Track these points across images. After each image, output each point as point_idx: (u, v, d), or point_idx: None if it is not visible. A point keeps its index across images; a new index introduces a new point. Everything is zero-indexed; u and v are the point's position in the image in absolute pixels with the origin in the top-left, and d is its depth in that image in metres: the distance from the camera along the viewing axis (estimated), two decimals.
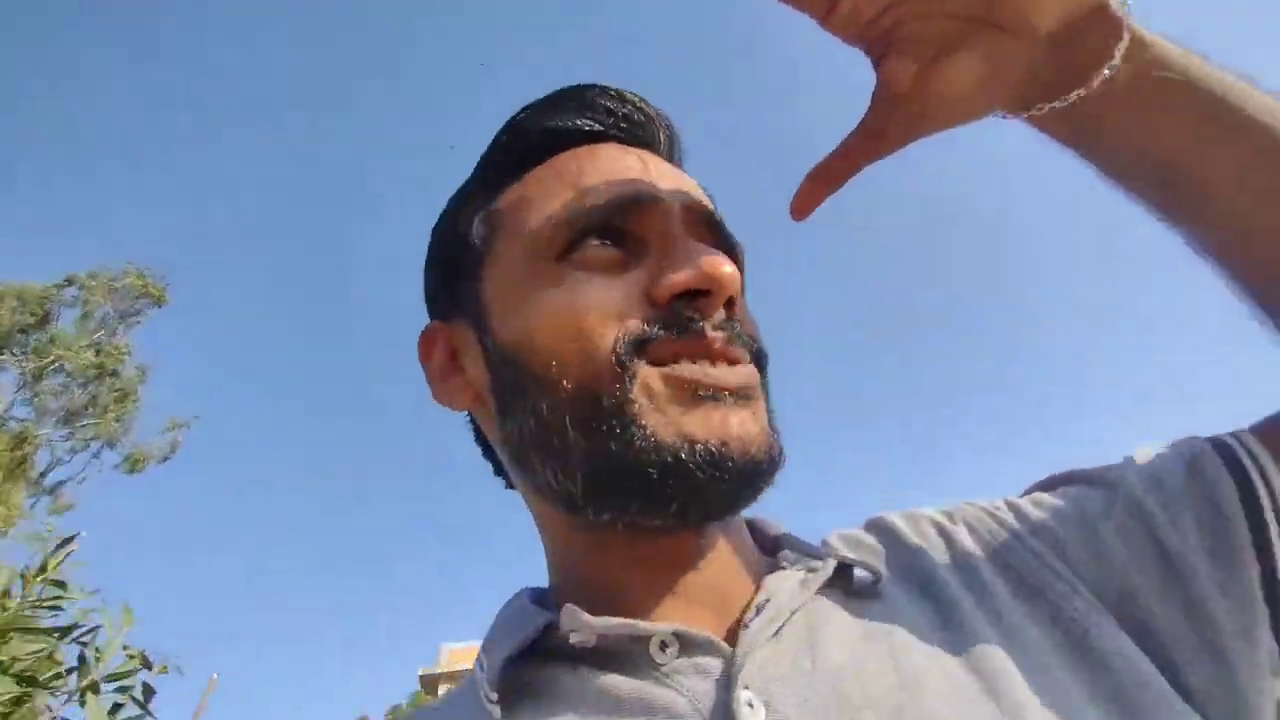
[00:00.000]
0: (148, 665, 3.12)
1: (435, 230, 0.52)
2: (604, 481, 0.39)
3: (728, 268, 0.40)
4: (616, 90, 0.48)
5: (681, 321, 0.40)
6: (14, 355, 13.99)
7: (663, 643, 0.37)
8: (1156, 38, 0.38)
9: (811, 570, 0.42)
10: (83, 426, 14.26)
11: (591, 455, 0.39)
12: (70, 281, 14.83)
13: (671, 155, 0.50)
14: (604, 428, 0.38)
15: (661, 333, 0.39)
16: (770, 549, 0.47)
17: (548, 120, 0.47)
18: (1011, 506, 0.47)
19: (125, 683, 3.05)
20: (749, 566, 0.44)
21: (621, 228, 0.43)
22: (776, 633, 0.38)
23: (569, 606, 0.38)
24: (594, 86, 0.48)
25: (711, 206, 0.47)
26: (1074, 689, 0.36)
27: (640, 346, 0.39)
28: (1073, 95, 0.37)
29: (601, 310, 0.40)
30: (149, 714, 3.06)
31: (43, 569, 3.03)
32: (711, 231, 0.46)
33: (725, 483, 0.38)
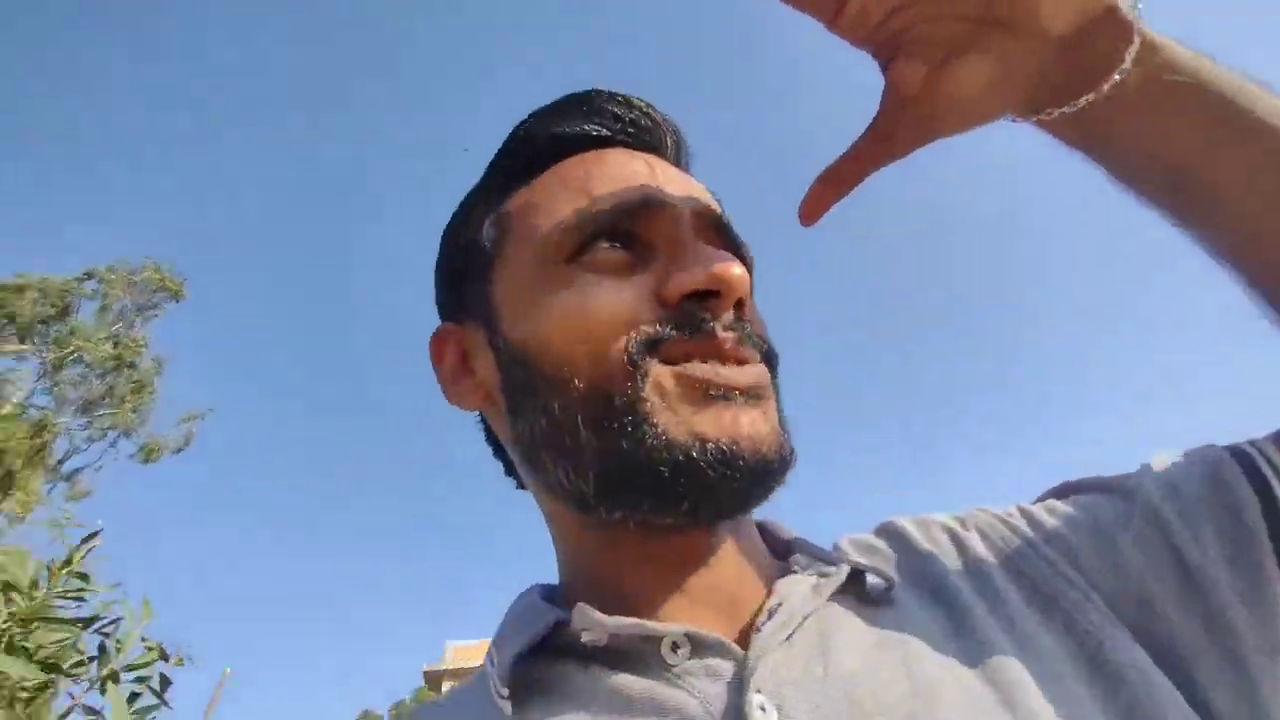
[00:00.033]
0: (164, 657, 3.21)
1: (445, 234, 0.52)
2: (616, 480, 0.39)
3: (737, 269, 0.40)
4: (624, 96, 0.49)
5: (693, 322, 0.40)
6: (35, 345, 14.24)
7: (674, 643, 0.37)
8: (1168, 41, 0.38)
9: (824, 575, 0.42)
10: (100, 416, 14.48)
11: (603, 454, 0.39)
12: (90, 275, 15.06)
13: (679, 160, 0.51)
14: (616, 426, 0.38)
15: (673, 333, 0.39)
16: (782, 552, 0.47)
17: (556, 125, 0.48)
18: (1025, 513, 0.47)
19: (143, 673, 3.14)
20: (760, 569, 0.44)
21: (630, 231, 0.43)
22: (789, 637, 0.38)
23: (581, 605, 0.38)
24: (601, 92, 0.48)
25: (720, 211, 0.47)
26: (1088, 701, 0.36)
27: (652, 346, 0.39)
28: (1082, 100, 0.37)
29: (612, 311, 0.40)
30: (165, 704, 3.16)
31: (68, 561, 3.14)
32: (720, 236, 0.46)
33: (736, 481, 0.38)
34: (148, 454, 14.91)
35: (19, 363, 14.12)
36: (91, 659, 3.09)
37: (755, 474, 0.38)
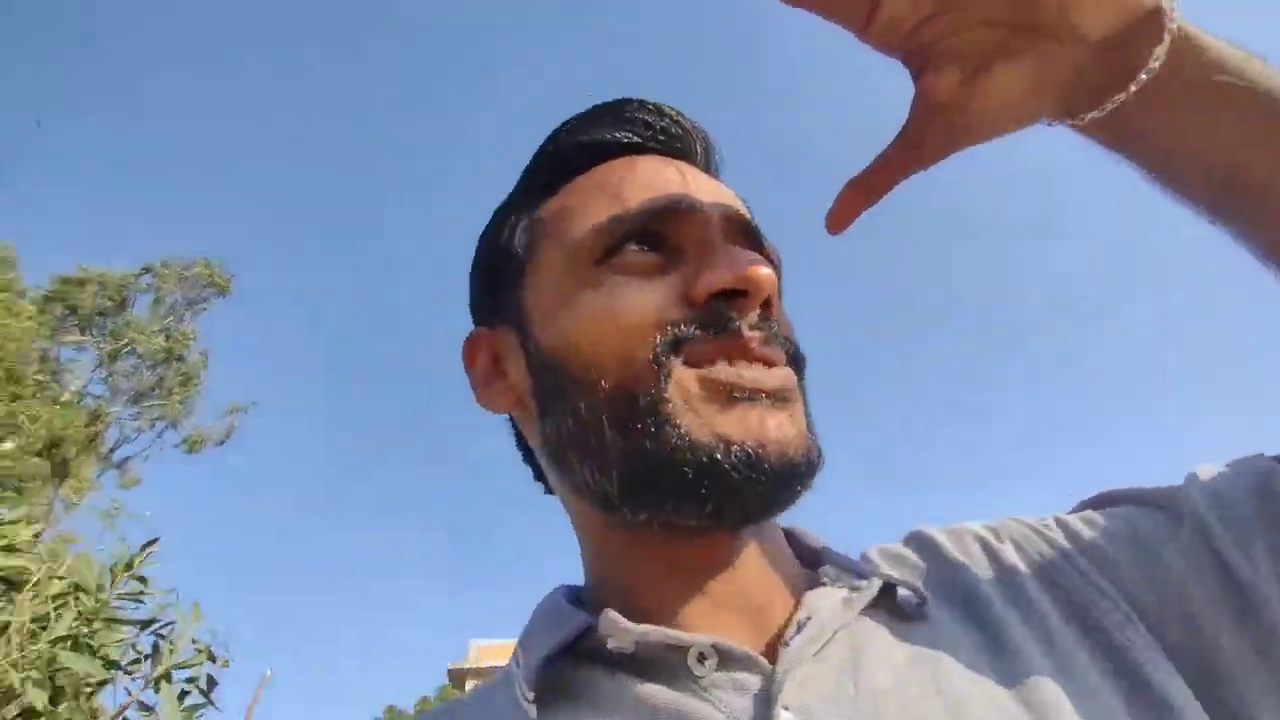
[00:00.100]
0: (212, 658, 3.44)
1: (480, 240, 0.53)
2: (640, 480, 0.39)
3: (764, 269, 0.40)
4: (655, 104, 0.49)
5: (719, 321, 0.40)
6: (93, 337, 14.91)
7: (701, 654, 0.37)
8: (1212, 39, 0.37)
9: (855, 589, 0.41)
10: (149, 407, 15.10)
11: (628, 454, 0.39)
12: (147, 269, 15.73)
13: (709, 167, 0.51)
14: (639, 426, 0.38)
15: (698, 332, 0.40)
16: (810, 561, 0.47)
17: (588, 134, 0.48)
18: (1061, 524, 0.46)
19: (192, 673, 3.37)
20: (788, 578, 0.43)
21: (660, 234, 0.43)
22: (818, 652, 0.37)
23: (608, 612, 0.38)
24: (632, 101, 0.49)
25: (749, 216, 0.48)
26: None
27: (676, 346, 0.39)
28: (1118, 99, 0.36)
29: (640, 311, 0.40)
30: (211, 703, 3.38)
31: (129, 565, 3.37)
32: (749, 240, 0.46)
33: (761, 484, 0.37)
34: (191, 445, 15.50)
35: (79, 353, 14.83)
36: (146, 658, 3.33)
37: (781, 477, 0.38)
